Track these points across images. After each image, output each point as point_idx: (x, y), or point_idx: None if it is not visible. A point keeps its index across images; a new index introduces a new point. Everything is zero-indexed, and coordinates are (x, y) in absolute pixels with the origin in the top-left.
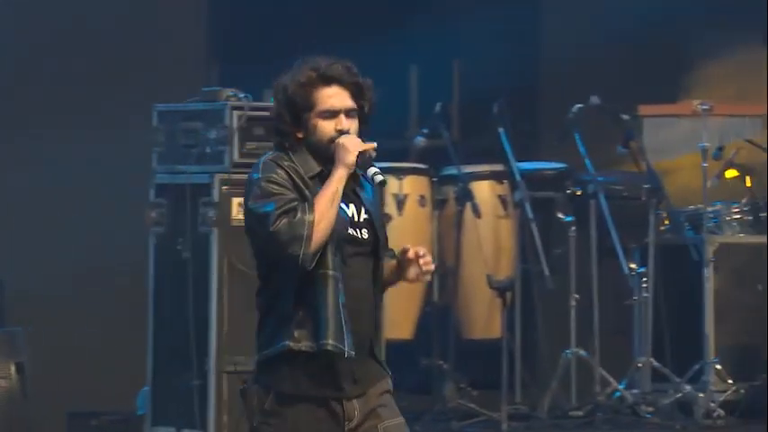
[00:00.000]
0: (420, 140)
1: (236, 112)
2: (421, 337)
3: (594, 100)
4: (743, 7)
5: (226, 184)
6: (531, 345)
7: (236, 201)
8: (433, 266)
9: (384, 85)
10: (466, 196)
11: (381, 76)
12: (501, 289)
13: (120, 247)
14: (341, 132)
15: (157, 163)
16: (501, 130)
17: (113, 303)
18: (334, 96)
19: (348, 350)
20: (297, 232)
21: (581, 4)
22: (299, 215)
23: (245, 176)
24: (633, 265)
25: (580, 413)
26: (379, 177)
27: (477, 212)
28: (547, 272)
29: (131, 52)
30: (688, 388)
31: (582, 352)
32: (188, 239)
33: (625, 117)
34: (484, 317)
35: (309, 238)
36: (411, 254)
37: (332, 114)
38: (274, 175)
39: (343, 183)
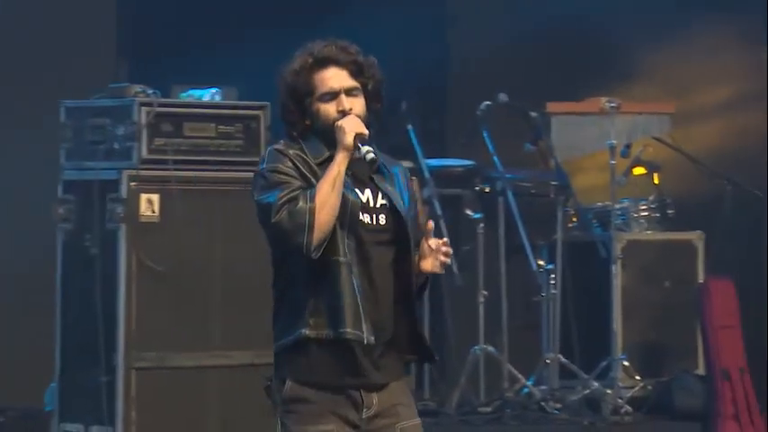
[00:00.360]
0: None
1: (144, 108)
2: None
3: (503, 97)
4: (653, 6)
5: (134, 181)
6: (440, 341)
7: (145, 197)
8: (449, 260)
9: None
10: None
11: None
12: None
13: (28, 243)
14: (343, 113)
15: (65, 159)
16: (409, 127)
17: (21, 299)
18: (332, 78)
19: (367, 336)
20: (298, 221)
21: (489, 2)
22: (299, 204)
23: (153, 173)
24: (541, 262)
25: (488, 409)
26: (370, 155)
27: None
28: (455, 268)
29: (40, 48)
30: (596, 384)
31: (490, 348)
32: (96, 236)
33: (533, 114)
34: None
35: (311, 225)
36: (432, 243)
37: (332, 96)
38: (279, 165)
39: (345, 166)
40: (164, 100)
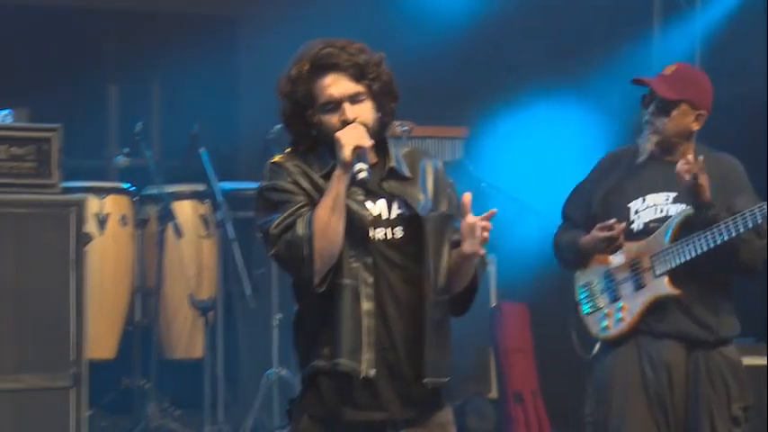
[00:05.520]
0: (121, 159)
1: None
2: (123, 356)
3: None
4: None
5: None
6: (234, 364)
7: None
8: (487, 235)
9: (83, 104)
10: (167, 216)
11: (81, 96)
12: (203, 309)
13: None
14: (345, 123)
15: None
16: (202, 150)
17: None
18: (332, 85)
19: (365, 369)
20: (296, 254)
21: (277, 31)
22: (297, 232)
23: None
24: None
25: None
26: (363, 174)
27: (178, 232)
28: (249, 291)
29: None
30: None
31: (284, 371)
32: None
33: None
34: (186, 336)
35: (311, 257)
36: (470, 220)
37: (334, 105)
38: (279, 182)
39: (344, 183)
40: None
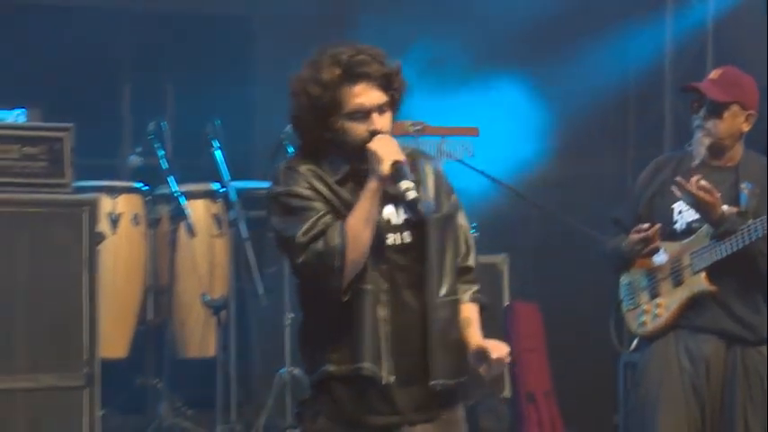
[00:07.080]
0: (134, 159)
1: None
2: (135, 355)
3: None
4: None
5: None
6: (246, 363)
7: None
8: (501, 367)
9: (96, 103)
10: (180, 215)
11: (94, 95)
12: (215, 308)
13: None
14: (374, 133)
15: None
16: (215, 149)
17: None
18: (363, 95)
19: (387, 374)
20: (327, 264)
21: (291, 31)
22: (328, 243)
23: None
24: None
25: (296, 431)
26: (412, 194)
27: (191, 231)
28: (261, 290)
29: None
30: None
31: (296, 370)
32: None
33: None
34: (198, 335)
35: (342, 269)
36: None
37: (363, 114)
38: (296, 187)
39: (378, 196)
40: None
